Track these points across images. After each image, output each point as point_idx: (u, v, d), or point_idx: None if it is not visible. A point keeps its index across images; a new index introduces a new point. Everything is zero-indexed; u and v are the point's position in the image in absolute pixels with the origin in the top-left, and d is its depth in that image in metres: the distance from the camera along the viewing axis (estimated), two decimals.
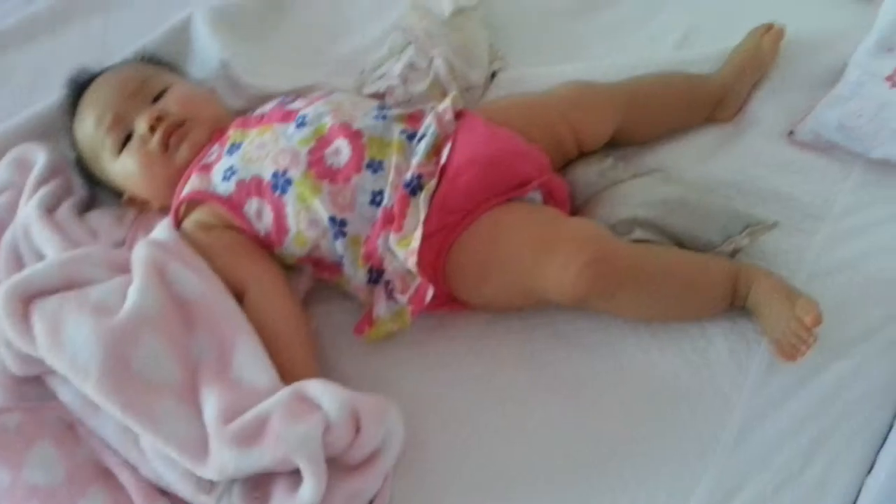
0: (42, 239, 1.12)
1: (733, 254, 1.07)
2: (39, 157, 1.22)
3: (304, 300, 1.12)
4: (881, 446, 0.97)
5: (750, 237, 1.06)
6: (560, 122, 1.14)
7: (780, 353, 0.99)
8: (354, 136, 1.07)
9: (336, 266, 1.08)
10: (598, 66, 1.27)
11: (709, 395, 1.01)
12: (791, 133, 1.20)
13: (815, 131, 1.17)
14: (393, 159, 1.05)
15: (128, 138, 1.14)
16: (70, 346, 0.95)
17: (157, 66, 1.24)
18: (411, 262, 1.00)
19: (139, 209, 1.20)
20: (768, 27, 1.25)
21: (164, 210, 1.16)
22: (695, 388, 1.01)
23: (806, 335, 0.96)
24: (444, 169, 1.05)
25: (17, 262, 1.14)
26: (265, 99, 1.23)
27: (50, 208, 1.17)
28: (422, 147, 1.06)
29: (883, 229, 1.10)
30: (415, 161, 1.05)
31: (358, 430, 0.91)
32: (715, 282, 1.02)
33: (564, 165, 1.17)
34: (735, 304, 1.03)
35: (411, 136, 1.08)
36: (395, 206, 1.03)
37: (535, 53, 1.34)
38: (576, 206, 1.14)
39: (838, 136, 1.15)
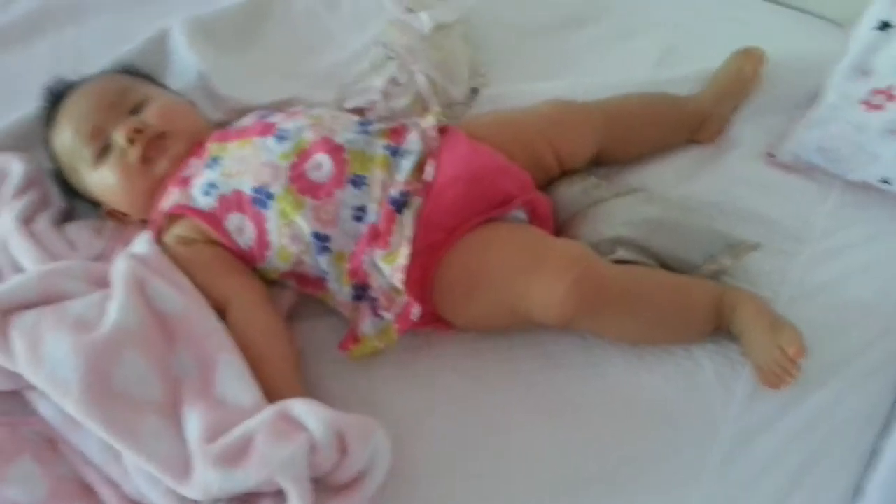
0: (20, 251, 1.10)
1: (716, 275, 1.08)
2: (15, 167, 1.20)
3: (288, 315, 1.11)
4: (865, 470, 0.98)
5: (732, 258, 1.07)
6: (540, 140, 1.15)
7: (764, 380, 1.00)
8: (336, 151, 1.06)
9: (320, 281, 1.07)
10: (579, 84, 1.28)
11: (696, 418, 1.01)
12: (771, 154, 1.21)
13: (794, 153, 1.19)
14: (377, 174, 1.05)
15: (106, 150, 1.12)
16: (50, 361, 0.94)
17: (136, 78, 1.22)
18: (398, 278, 0.99)
19: (118, 221, 1.19)
20: (748, 51, 1.26)
21: (143, 222, 1.15)
22: (682, 410, 1.02)
23: (789, 366, 0.97)
24: (429, 186, 1.04)
25: None
26: (244, 111, 1.23)
27: (27, 220, 1.15)
28: (407, 163, 1.06)
29: (861, 251, 1.12)
30: (400, 177, 1.05)
31: (344, 450, 0.90)
32: (699, 305, 1.03)
33: (548, 183, 1.18)
34: (720, 327, 1.04)
35: (395, 152, 1.08)
36: (381, 222, 1.02)
37: (517, 70, 1.35)
38: (559, 224, 1.14)
39: (817, 157, 1.17)
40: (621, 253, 1.05)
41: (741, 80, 1.25)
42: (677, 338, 1.05)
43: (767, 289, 1.09)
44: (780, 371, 0.97)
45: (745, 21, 1.39)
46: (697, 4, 1.43)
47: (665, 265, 1.07)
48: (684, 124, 1.24)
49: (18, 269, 1.10)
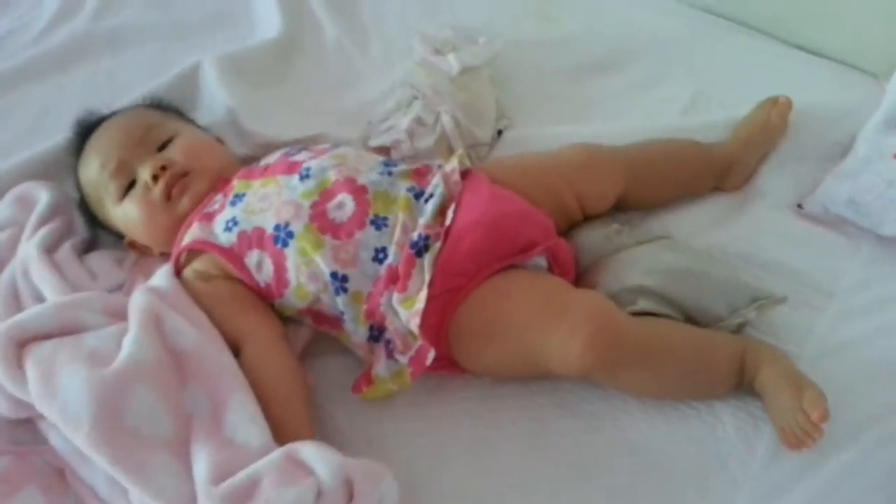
0: (40, 279, 1.11)
1: (740, 327, 1.06)
2: (42, 195, 1.22)
3: (302, 353, 1.10)
4: None
5: (757, 311, 1.04)
6: (564, 185, 1.14)
7: (785, 441, 0.97)
8: (359, 191, 1.06)
9: (336, 320, 1.06)
10: (605, 129, 1.28)
11: (715, 474, 0.98)
12: (799, 206, 1.19)
13: (823, 205, 1.17)
14: (399, 216, 1.05)
15: (131, 185, 1.14)
16: (62, 394, 0.93)
17: (165, 112, 1.24)
18: (414, 323, 0.98)
19: (140, 253, 1.20)
20: (776, 100, 1.24)
21: (164, 256, 1.15)
22: (701, 465, 0.99)
23: (812, 430, 0.94)
24: (448, 230, 1.03)
25: (15, 302, 1.12)
26: (271, 147, 1.24)
27: (50, 248, 1.17)
28: (429, 207, 1.05)
29: (891, 309, 1.09)
30: (422, 221, 1.04)
31: (351, 497, 0.88)
32: (721, 362, 1.01)
33: (569, 228, 1.16)
34: (742, 384, 1.02)
35: (418, 195, 1.08)
36: (400, 265, 1.02)
37: (542, 113, 1.35)
38: (579, 271, 1.13)
39: (847, 210, 1.15)
40: (643, 304, 1.03)
41: (768, 128, 1.23)
42: (698, 394, 1.03)
43: (792, 344, 1.06)
44: (801, 434, 0.95)
45: (777, 69, 1.37)
46: (727, 52, 1.42)
47: (688, 316, 1.05)
48: (710, 171, 1.22)
49: (39, 297, 1.11)
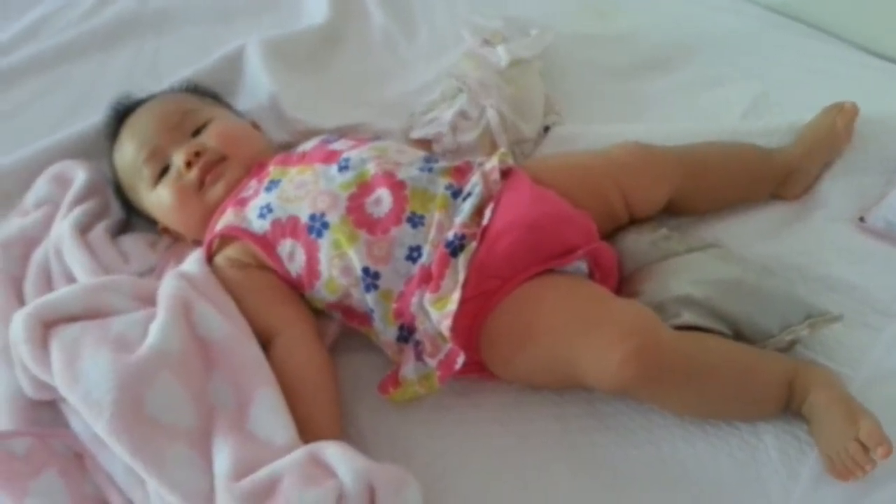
0: (73, 259, 1.11)
1: (791, 345, 1.00)
2: (79, 174, 1.22)
3: (330, 347, 1.08)
4: None
5: (810, 328, 0.98)
6: (611, 187, 1.09)
7: (833, 471, 0.91)
8: (397, 187, 1.03)
9: (366, 317, 1.04)
10: (658, 130, 1.22)
11: (753, 500, 0.93)
12: (861, 219, 1.13)
13: (887, 219, 1.10)
14: (435, 215, 1.01)
15: (165, 171, 1.13)
16: (85, 379, 0.92)
17: (202, 97, 1.23)
18: (445, 325, 0.95)
19: (173, 238, 1.19)
20: (841, 105, 1.18)
21: (197, 242, 1.14)
22: (740, 488, 0.94)
23: (865, 462, 0.88)
24: (484, 230, 1.00)
25: (47, 280, 1.13)
26: (310, 134, 1.22)
27: (84, 228, 1.16)
28: (466, 206, 1.02)
29: None
30: (458, 220, 1.01)
31: (373, 502, 0.86)
32: (769, 385, 0.95)
33: (614, 231, 1.12)
34: (789, 408, 0.96)
35: (456, 193, 1.04)
36: (433, 265, 0.98)
37: (593, 110, 1.31)
38: (623, 277, 1.08)
39: None
40: (687, 317, 0.98)
41: (833, 135, 1.17)
42: (742, 416, 0.98)
43: (845, 365, 1.00)
44: (852, 465, 0.89)
45: (843, 75, 1.30)
46: (792, 54, 1.36)
47: (736, 331, 0.99)
48: (769, 178, 1.16)
49: (70, 277, 1.11)
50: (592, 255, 1.03)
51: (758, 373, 0.96)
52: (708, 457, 0.96)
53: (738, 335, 1.00)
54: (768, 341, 0.99)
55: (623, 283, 1.07)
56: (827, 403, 0.93)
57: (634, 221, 1.12)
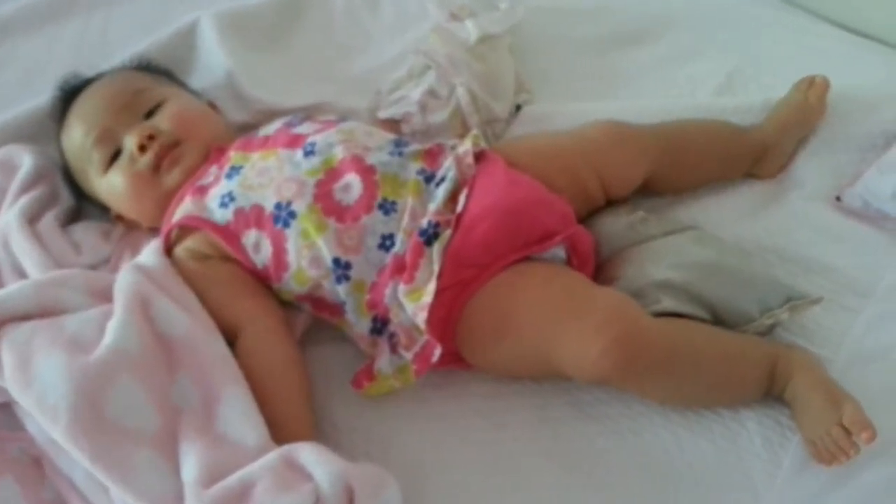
0: (21, 251, 1.06)
1: (770, 328, 0.99)
2: (25, 160, 1.15)
3: (299, 341, 1.04)
4: None
5: (791, 312, 0.98)
6: (586, 167, 1.06)
7: (817, 455, 0.91)
8: (367, 172, 0.99)
9: (338, 308, 1.00)
10: (632, 107, 1.20)
11: (737, 486, 0.92)
12: (838, 198, 1.11)
13: (864, 198, 1.09)
14: (408, 201, 0.97)
15: (116, 155, 1.07)
16: (39, 383, 0.88)
17: (154, 75, 1.16)
18: (420, 318, 0.92)
19: (128, 226, 1.13)
20: (812, 79, 1.16)
21: (154, 230, 1.09)
22: (722, 475, 0.93)
23: (848, 446, 0.88)
24: (459, 217, 0.96)
25: None
26: (271, 115, 1.17)
27: (32, 217, 1.11)
28: (440, 192, 0.98)
29: None
30: (432, 207, 0.97)
31: None
32: (750, 371, 0.94)
33: (589, 214, 1.09)
34: (771, 393, 0.95)
35: (429, 178, 1.01)
36: (407, 254, 0.95)
37: (565, 88, 1.27)
38: (600, 261, 1.06)
39: (890, 206, 1.07)
40: (667, 303, 0.96)
41: (805, 110, 1.15)
42: (724, 403, 0.97)
43: (825, 347, 1.00)
44: (836, 449, 0.89)
45: (820, 49, 1.28)
46: (767, 29, 1.33)
47: (716, 315, 0.98)
48: (744, 156, 1.14)
49: (19, 269, 1.06)
50: (570, 240, 1.00)
51: (739, 359, 0.95)
52: (690, 444, 0.95)
53: (718, 319, 0.98)
54: (748, 325, 0.98)
55: (600, 268, 1.05)
56: (809, 388, 0.92)
57: (610, 202, 1.10)
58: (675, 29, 1.34)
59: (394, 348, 0.96)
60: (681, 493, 0.93)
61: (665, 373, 0.92)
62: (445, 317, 0.94)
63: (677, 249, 1.02)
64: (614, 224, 1.07)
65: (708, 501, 0.92)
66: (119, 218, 1.12)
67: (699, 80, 1.27)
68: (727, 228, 1.09)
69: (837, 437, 0.88)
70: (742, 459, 0.94)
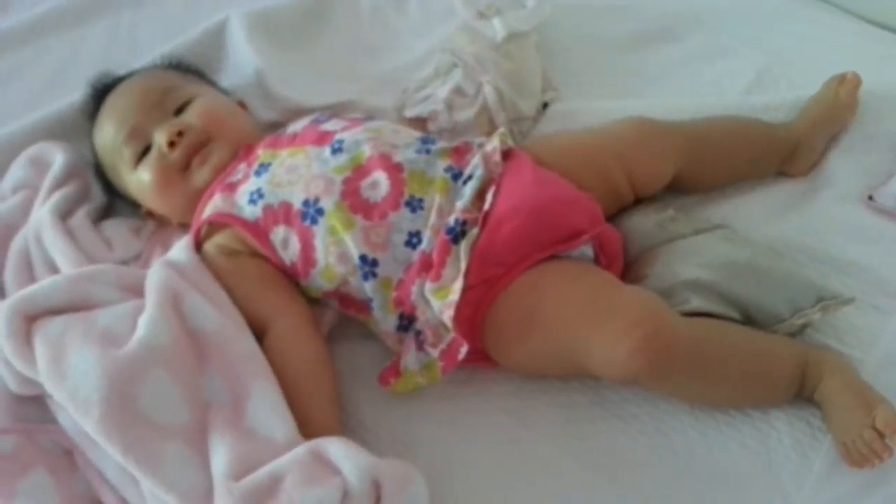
0: (53, 247, 1.07)
1: (801, 329, 0.98)
2: (58, 157, 1.17)
3: (327, 337, 1.04)
4: None
5: (822, 312, 0.96)
6: (615, 165, 1.05)
7: (848, 458, 0.90)
8: (394, 170, 0.99)
9: (364, 305, 1.00)
10: (660, 105, 1.18)
11: (766, 488, 0.91)
12: (870, 197, 1.10)
13: None
14: (435, 199, 0.97)
15: (146, 151, 1.08)
16: (72, 377, 0.89)
17: (184, 74, 1.17)
18: (447, 315, 0.92)
19: (158, 222, 1.14)
20: (843, 76, 1.15)
21: (183, 226, 1.10)
22: (751, 477, 0.92)
23: (881, 449, 0.87)
24: (486, 216, 0.96)
25: (28, 270, 1.09)
26: (298, 112, 1.18)
27: (64, 214, 1.12)
28: (468, 190, 0.98)
29: None
30: (459, 204, 0.97)
31: (378, 499, 0.83)
32: (781, 372, 0.93)
33: (618, 212, 1.08)
34: (801, 394, 0.94)
35: (456, 176, 1.00)
36: (434, 252, 0.95)
37: (593, 85, 1.26)
38: (629, 260, 1.05)
39: None
40: (696, 303, 0.95)
41: (837, 107, 1.14)
42: (753, 403, 0.95)
43: (856, 348, 0.98)
44: (868, 452, 0.87)
45: (851, 46, 1.27)
46: (798, 27, 1.32)
47: (746, 315, 0.97)
48: (775, 153, 1.13)
49: (51, 265, 1.07)
50: (598, 239, 0.99)
51: (769, 359, 0.94)
52: (718, 445, 0.94)
53: (748, 319, 0.97)
54: (779, 325, 0.97)
55: (629, 266, 1.04)
56: (840, 389, 0.91)
57: (639, 200, 1.09)
58: (705, 26, 1.33)
59: (420, 345, 0.97)
60: (709, 494, 0.92)
61: (694, 373, 0.91)
62: (472, 315, 0.94)
63: (707, 248, 1.01)
64: (643, 222, 1.06)
65: (737, 503, 0.91)
66: (149, 214, 1.13)
67: (728, 77, 1.25)
68: (757, 227, 1.08)
69: (870, 439, 0.87)
70: (772, 461, 0.93)
